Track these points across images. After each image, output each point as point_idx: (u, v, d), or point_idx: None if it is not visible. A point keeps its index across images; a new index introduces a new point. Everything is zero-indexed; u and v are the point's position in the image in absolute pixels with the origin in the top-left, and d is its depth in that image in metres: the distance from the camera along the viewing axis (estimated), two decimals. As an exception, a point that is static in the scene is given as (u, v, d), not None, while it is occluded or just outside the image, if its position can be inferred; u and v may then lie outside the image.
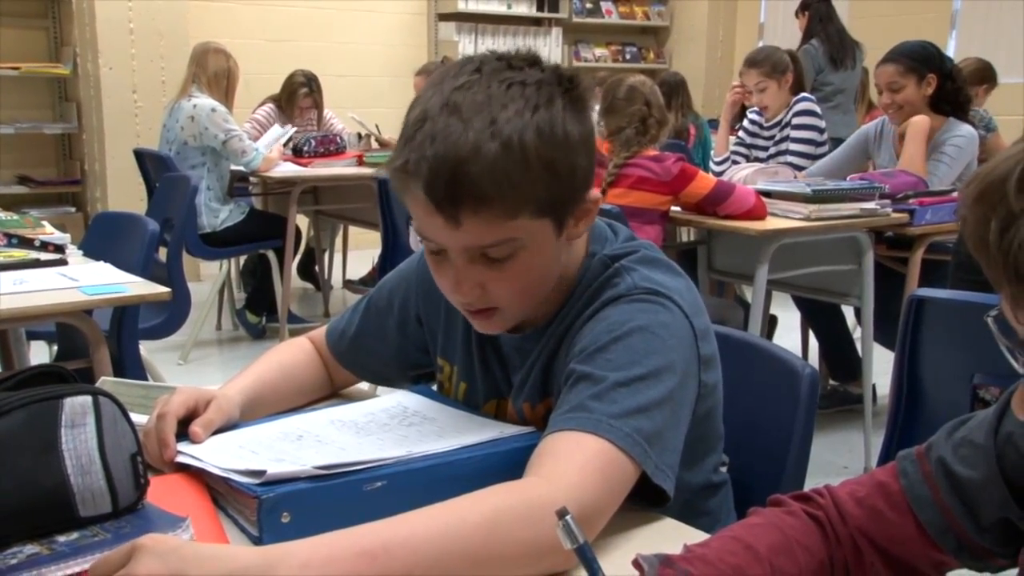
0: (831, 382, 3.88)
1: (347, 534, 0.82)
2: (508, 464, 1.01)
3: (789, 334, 4.20)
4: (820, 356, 3.89)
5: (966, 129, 3.39)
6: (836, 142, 4.08)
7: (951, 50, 6.24)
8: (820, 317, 3.78)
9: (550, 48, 7.81)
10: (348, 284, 5.45)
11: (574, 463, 0.93)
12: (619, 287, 1.09)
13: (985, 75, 4.86)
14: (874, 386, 3.48)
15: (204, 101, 4.46)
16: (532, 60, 1.05)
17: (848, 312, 3.73)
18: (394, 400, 1.25)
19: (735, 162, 4.15)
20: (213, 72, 4.56)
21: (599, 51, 8.21)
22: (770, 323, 4.12)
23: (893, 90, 3.38)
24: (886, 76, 3.40)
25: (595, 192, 1.09)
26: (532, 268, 1.06)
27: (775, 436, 1.27)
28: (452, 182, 0.97)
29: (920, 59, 3.37)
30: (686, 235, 4.02)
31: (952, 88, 3.39)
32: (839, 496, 0.93)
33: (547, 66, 1.05)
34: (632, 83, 3.18)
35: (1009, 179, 0.63)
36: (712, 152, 4.43)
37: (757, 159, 4.16)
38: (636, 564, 0.84)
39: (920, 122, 3.36)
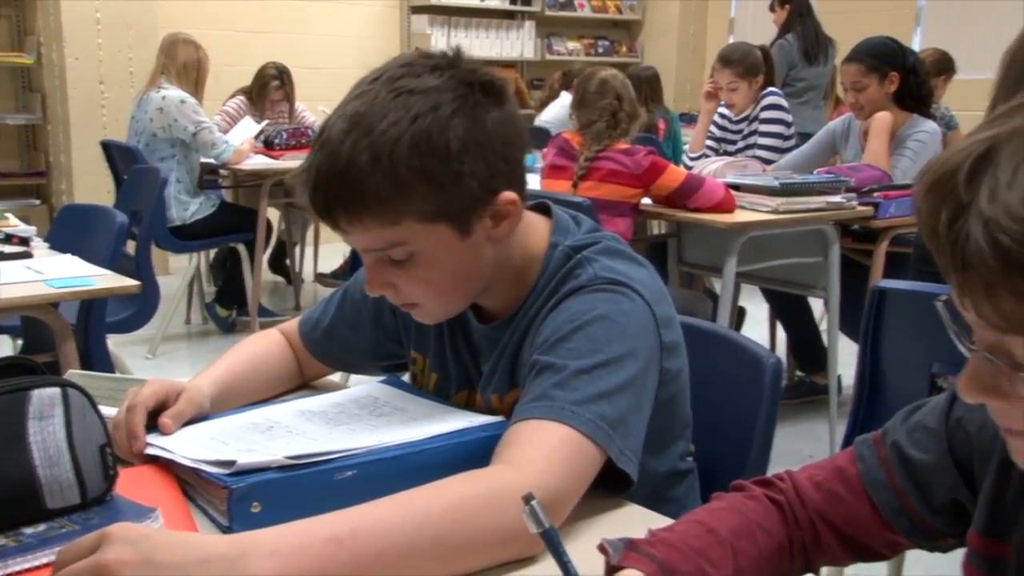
0: (798, 373, 3.93)
1: (316, 521, 0.83)
2: (477, 453, 1.02)
3: (758, 326, 4.24)
4: (788, 348, 3.94)
5: (930, 125, 3.45)
6: (805, 137, 4.12)
7: (916, 46, 6.31)
8: (787, 309, 3.82)
9: (523, 41, 7.82)
10: (319, 277, 5.43)
11: (539, 450, 0.95)
12: (581, 278, 1.11)
13: (943, 65, 4.93)
14: (840, 376, 3.53)
15: (173, 93, 4.43)
16: (448, 63, 1.06)
17: (816, 304, 3.78)
18: (365, 391, 1.26)
19: (705, 155, 4.18)
20: (182, 63, 4.53)
21: (572, 44, 8.22)
22: (739, 315, 4.16)
23: (857, 89, 3.43)
24: (850, 76, 3.45)
25: (508, 194, 1.08)
26: (438, 269, 1.08)
27: (740, 424, 1.29)
28: (326, 193, 1.02)
29: (881, 57, 3.41)
30: (657, 228, 4.06)
31: (915, 82, 3.44)
32: (799, 480, 0.96)
33: (459, 69, 1.06)
34: (604, 77, 3.20)
35: (959, 171, 0.64)
36: (686, 147, 4.45)
37: (727, 152, 4.20)
38: (602, 549, 0.85)
39: (883, 118, 3.41)
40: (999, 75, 1.74)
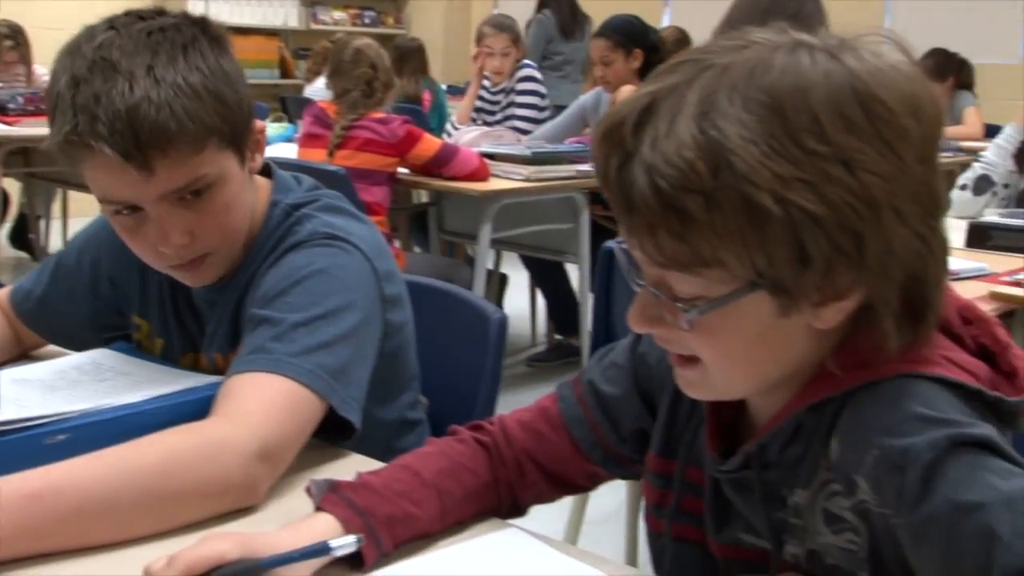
0: (556, 336, 4.11)
1: (16, 478, 0.82)
2: (201, 411, 1.02)
3: (520, 293, 4.40)
4: (547, 312, 4.12)
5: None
6: (563, 110, 4.29)
7: (664, 23, 6.68)
8: (544, 275, 3.99)
9: (286, 10, 7.63)
10: (68, 252, 5.09)
11: (255, 401, 0.97)
12: (299, 234, 1.13)
13: (684, 44, 5.26)
14: (592, 335, 3.72)
15: None
16: (159, 11, 1.09)
17: (574, 271, 3.96)
18: (88, 357, 1.23)
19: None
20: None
21: (337, 14, 8.10)
22: (500, 282, 4.30)
23: (604, 64, 3.62)
24: (598, 51, 3.63)
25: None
26: (229, 203, 1.09)
27: (468, 376, 1.36)
28: (135, 130, 0.98)
29: (627, 34, 3.62)
30: (418, 198, 4.11)
31: (657, 60, 3.66)
32: (507, 422, 1.03)
33: (175, 12, 1.09)
34: (358, 46, 3.21)
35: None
36: (454, 118, 4.50)
37: (485, 123, 4.30)
38: (308, 490, 0.90)
39: (627, 92, 3.57)
40: (720, 22, 1.89)
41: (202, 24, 1.07)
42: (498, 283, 4.19)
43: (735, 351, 0.75)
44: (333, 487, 0.89)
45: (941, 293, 0.76)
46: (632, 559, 2.13)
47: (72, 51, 1.03)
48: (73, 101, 0.99)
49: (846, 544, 0.77)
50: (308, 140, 3.25)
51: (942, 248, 0.75)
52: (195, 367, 1.23)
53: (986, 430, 0.69)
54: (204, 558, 0.78)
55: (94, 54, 1.01)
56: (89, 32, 1.04)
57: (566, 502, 2.11)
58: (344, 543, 0.82)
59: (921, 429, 0.69)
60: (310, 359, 1.01)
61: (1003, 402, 0.74)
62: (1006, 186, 2.84)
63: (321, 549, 0.81)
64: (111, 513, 0.84)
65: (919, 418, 0.70)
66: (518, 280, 4.45)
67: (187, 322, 1.24)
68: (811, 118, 0.68)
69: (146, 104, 0.98)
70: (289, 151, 3.50)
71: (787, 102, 0.68)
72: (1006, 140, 2.81)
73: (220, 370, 1.18)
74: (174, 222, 1.06)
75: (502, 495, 1.00)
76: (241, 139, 1.09)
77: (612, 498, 2.53)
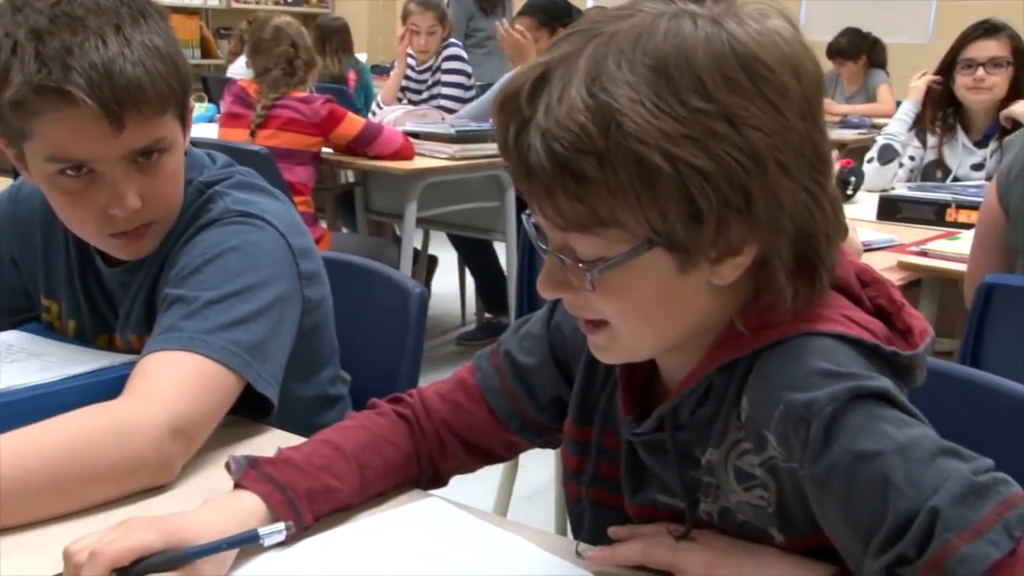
0: (486, 315, 4.13)
1: None
2: (115, 391, 1.01)
3: (449, 273, 4.40)
4: (476, 291, 4.13)
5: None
6: (489, 87, 4.28)
7: (589, 3, 6.70)
8: (472, 254, 3.99)
9: (206, -13, 7.47)
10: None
11: (167, 380, 0.96)
12: (212, 212, 1.13)
13: None
14: (524, 314, 3.74)
15: None
16: None
17: (502, 249, 3.97)
18: (-4, 339, 1.21)
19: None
20: None
21: (259, -8, 7.95)
22: (429, 263, 4.29)
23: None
24: (518, 29, 3.64)
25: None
26: (175, 172, 1.10)
27: (390, 351, 1.37)
28: (112, 83, 0.98)
29: (550, 12, 3.65)
30: (345, 177, 4.08)
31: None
32: (425, 394, 1.03)
33: None
34: (278, 23, 3.16)
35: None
36: (379, 98, 4.47)
37: (411, 102, 4.28)
38: (227, 466, 0.89)
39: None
40: None
41: None
42: (427, 264, 4.18)
43: (639, 309, 0.77)
44: (253, 463, 0.89)
45: (833, 250, 0.79)
46: (562, 530, 2.16)
47: (18, 6, 1.01)
48: (38, 52, 0.98)
49: (756, 501, 0.80)
50: (229, 120, 3.20)
51: (833, 206, 0.78)
52: (110, 348, 1.21)
53: (883, 382, 0.73)
54: (128, 550, 0.77)
55: (52, 10, 1.00)
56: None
57: (495, 477, 2.13)
58: (272, 531, 0.83)
59: (823, 383, 0.72)
60: (223, 336, 1.01)
61: (899, 356, 0.77)
62: (912, 159, 2.94)
63: (250, 538, 0.82)
64: (21, 495, 0.83)
65: (821, 372, 0.73)
66: (447, 260, 4.45)
67: (98, 303, 1.22)
68: (695, 78, 0.70)
69: (121, 60, 0.99)
70: (210, 131, 3.45)
71: (671, 64, 0.70)
72: (904, 113, 2.94)
73: (136, 351, 1.16)
74: (130, 184, 1.05)
75: (423, 466, 1.01)
76: (184, 107, 1.10)
77: (541, 473, 2.56)
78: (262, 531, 0.82)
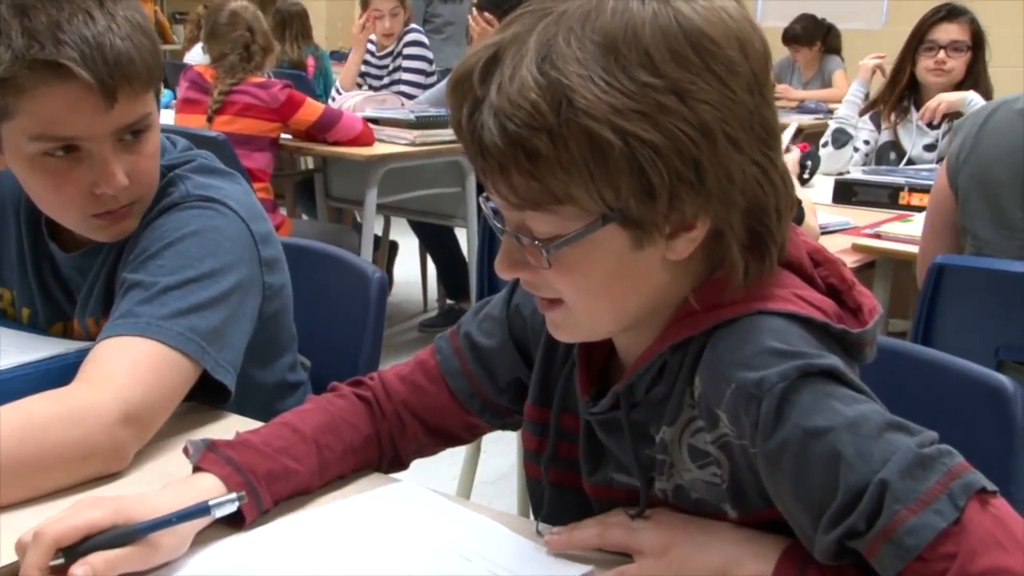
0: (448, 301, 4.12)
1: None
2: (68, 377, 1.00)
3: (410, 259, 4.39)
4: (437, 278, 4.12)
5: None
6: (448, 73, 4.25)
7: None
8: (433, 240, 3.99)
9: (161, -29, 7.36)
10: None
11: (120, 366, 0.96)
12: (173, 195, 1.12)
13: None
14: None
15: None
16: None
17: (463, 235, 3.97)
18: (-54, 328, 1.19)
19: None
20: None
21: (215, -23, 7.85)
22: (390, 249, 4.28)
23: (483, 37, 3.62)
24: (485, 18, 3.63)
25: None
26: (155, 150, 1.10)
27: (350, 337, 1.37)
28: (104, 57, 0.98)
29: (501, 4, 3.63)
30: (305, 164, 4.05)
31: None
32: (386, 377, 1.04)
33: None
34: (234, 8, 3.13)
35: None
36: (338, 83, 4.44)
37: (371, 88, 4.26)
38: (185, 451, 0.89)
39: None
40: None
41: None
42: (388, 251, 4.17)
43: (595, 286, 0.78)
44: (211, 446, 0.88)
45: (784, 225, 0.80)
46: (525, 515, 2.18)
47: None
48: (24, 26, 0.97)
49: (710, 478, 0.81)
50: (185, 105, 3.17)
51: (783, 181, 0.79)
52: (66, 334, 1.20)
53: (832, 360, 0.74)
54: (73, 528, 0.76)
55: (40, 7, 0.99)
56: None
57: (458, 462, 2.14)
58: (224, 501, 0.82)
59: (773, 362, 0.73)
60: (180, 322, 1.00)
61: (848, 334, 0.79)
62: (867, 142, 2.98)
63: (200, 510, 0.81)
64: None
65: (771, 352, 0.74)
66: (408, 247, 4.44)
67: (53, 291, 1.20)
68: (643, 53, 0.71)
69: (110, 34, 0.99)
70: (167, 117, 3.40)
71: (620, 40, 0.71)
72: (853, 95, 2.98)
73: (93, 336, 1.15)
74: (120, 162, 1.05)
75: (383, 448, 1.01)
76: (160, 86, 1.09)
77: (504, 458, 2.57)
78: (212, 502, 0.81)
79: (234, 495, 0.83)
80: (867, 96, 2.97)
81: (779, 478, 0.73)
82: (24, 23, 0.97)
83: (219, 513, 0.81)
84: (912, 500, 0.67)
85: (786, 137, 2.70)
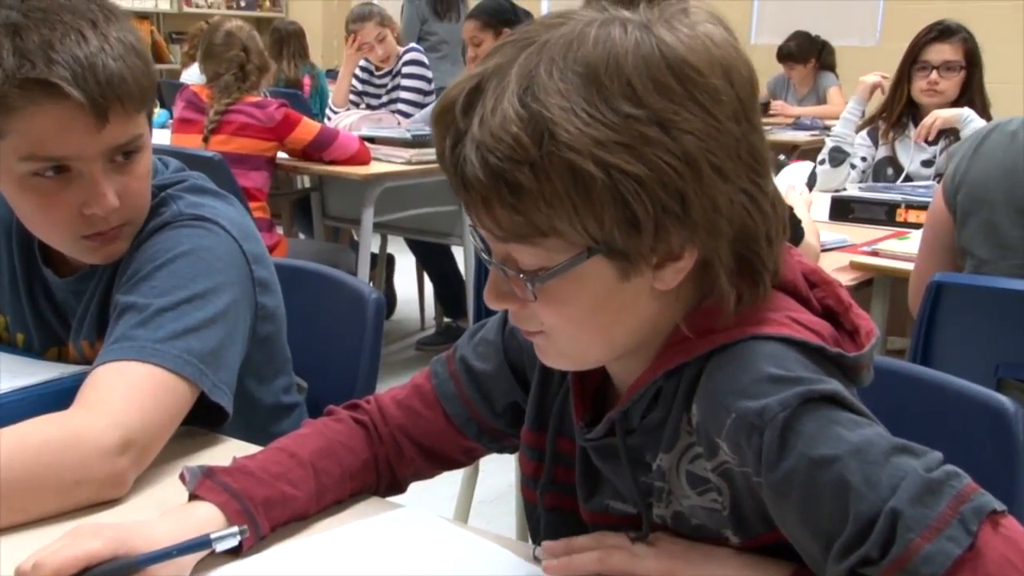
0: (445, 319, 4.12)
1: None
2: (64, 402, 0.99)
3: (407, 277, 4.39)
4: (434, 296, 4.11)
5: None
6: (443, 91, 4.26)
7: (544, 9, 6.73)
8: (430, 258, 3.98)
9: (156, -10, 7.38)
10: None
11: (118, 391, 0.95)
12: (164, 215, 1.11)
13: None
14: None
15: None
16: None
17: (460, 254, 3.97)
18: (-58, 353, 1.18)
19: (348, 110, 4.22)
20: None
21: (211, -4, 7.88)
22: (388, 265, 4.28)
23: (475, 44, 3.65)
24: (468, 31, 3.67)
25: None
26: (146, 172, 1.10)
27: (347, 358, 1.36)
28: (96, 78, 0.98)
29: (495, 15, 3.66)
30: (301, 183, 4.05)
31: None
32: (382, 401, 1.03)
33: None
34: (229, 28, 3.14)
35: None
36: (331, 101, 4.45)
37: (370, 107, 4.26)
38: (182, 477, 0.88)
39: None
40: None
41: None
42: (385, 267, 4.16)
43: (581, 317, 0.77)
44: (208, 473, 0.88)
45: (775, 251, 0.79)
46: (524, 536, 2.16)
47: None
48: (16, 46, 0.97)
49: (710, 504, 0.80)
50: (181, 125, 3.17)
51: (774, 207, 0.78)
52: (61, 360, 1.19)
53: (833, 385, 0.73)
54: (73, 559, 0.75)
55: (24, 6, 0.99)
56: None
57: (456, 483, 2.13)
58: (225, 535, 0.81)
59: (773, 389, 0.72)
60: (176, 344, 1.00)
61: (844, 357, 0.78)
62: (864, 159, 2.99)
63: (201, 543, 0.80)
64: None
65: (770, 378, 0.73)
66: (405, 264, 4.44)
67: (47, 316, 1.20)
68: (625, 84, 0.70)
69: (103, 55, 0.99)
70: (163, 137, 3.41)
71: (602, 71, 0.70)
72: (850, 113, 2.97)
73: (88, 359, 1.15)
74: (111, 183, 1.04)
75: (381, 472, 1.01)
76: (152, 110, 1.09)
77: (502, 478, 2.56)
78: (214, 535, 0.80)
79: (235, 529, 0.82)
80: (863, 114, 2.97)
81: (786, 507, 0.72)
82: (16, 42, 0.97)
83: (220, 547, 0.81)
84: (924, 527, 0.66)
85: (800, 180, 2.69)
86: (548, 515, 0.93)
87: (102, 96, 0.99)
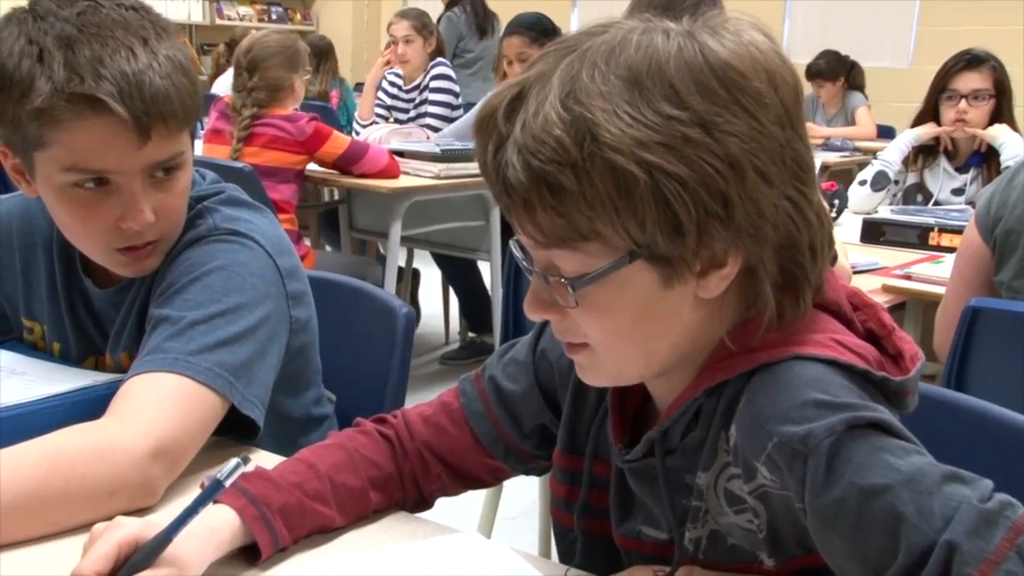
0: (470, 334, 4.11)
1: None
2: (98, 410, 1.00)
3: (433, 291, 4.39)
4: (460, 310, 4.11)
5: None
6: (473, 107, 4.29)
7: (574, 25, 6.75)
8: (456, 273, 3.98)
9: (190, 4, 7.47)
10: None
11: (149, 402, 0.95)
12: (200, 228, 1.12)
13: None
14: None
15: None
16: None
17: (486, 269, 3.97)
18: (-21, 358, 1.19)
19: (375, 123, 4.24)
20: None
21: (243, 9, 7.96)
22: (413, 279, 4.28)
23: (521, 60, 3.64)
24: (514, 48, 3.66)
25: None
26: (184, 189, 1.11)
27: (376, 371, 1.36)
28: (142, 94, 0.99)
29: (539, 30, 3.66)
30: (330, 195, 4.07)
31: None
32: (409, 416, 1.03)
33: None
34: (263, 42, 3.15)
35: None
36: (356, 114, 4.48)
37: (398, 121, 4.28)
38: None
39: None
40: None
41: (155, 12, 1.08)
42: (411, 280, 4.17)
43: (623, 327, 0.77)
44: None
45: (819, 265, 0.78)
46: (546, 552, 2.15)
47: (40, 15, 1.01)
48: (67, 59, 0.98)
49: (747, 524, 0.79)
50: (214, 136, 3.19)
51: (819, 217, 0.77)
52: (98, 369, 1.20)
53: (880, 412, 0.72)
54: (105, 557, 0.75)
55: (79, 19, 1.00)
56: (55, 2, 1.03)
57: (480, 497, 2.12)
58: (229, 470, 0.79)
59: (817, 415, 0.71)
60: (208, 357, 1.00)
61: (889, 382, 0.77)
62: (896, 182, 2.96)
63: (213, 488, 0.79)
64: None
65: (814, 403, 0.72)
66: (431, 278, 4.44)
67: (85, 325, 1.20)
68: (667, 86, 0.70)
69: (150, 72, 1.00)
70: (195, 148, 3.43)
71: (644, 74, 0.70)
72: (905, 143, 2.93)
73: (126, 371, 1.15)
74: (148, 199, 1.05)
75: (406, 487, 1.00)
76: (195, 128, 1.10)
77: (526, 494, 2.55)
78: (220, 475, 0.79)
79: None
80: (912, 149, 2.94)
81: (832, 535, 0.71)
82: (68, 56, 0.98)
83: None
84: (982, 560, 0.64)
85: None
86: (584, 539, 0.92)
87: (146, 113, 1.00)
